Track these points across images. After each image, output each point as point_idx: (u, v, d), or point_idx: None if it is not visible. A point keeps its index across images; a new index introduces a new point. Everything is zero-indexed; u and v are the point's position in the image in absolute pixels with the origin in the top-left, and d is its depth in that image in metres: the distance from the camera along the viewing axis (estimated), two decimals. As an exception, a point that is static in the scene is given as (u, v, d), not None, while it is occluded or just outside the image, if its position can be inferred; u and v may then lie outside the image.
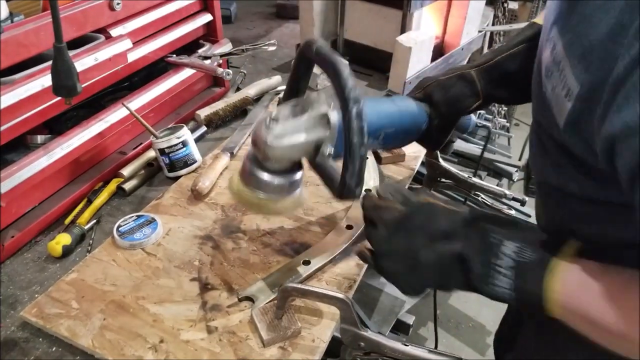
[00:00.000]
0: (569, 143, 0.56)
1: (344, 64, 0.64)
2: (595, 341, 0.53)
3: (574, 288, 0.54)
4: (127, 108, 1.09)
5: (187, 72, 1.30)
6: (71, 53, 0.82)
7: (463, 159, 2.46)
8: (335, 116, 0.68)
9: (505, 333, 0.95)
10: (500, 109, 2.46)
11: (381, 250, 0.66)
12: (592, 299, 0.52)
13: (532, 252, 0.57)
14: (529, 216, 1.45)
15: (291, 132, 0.68)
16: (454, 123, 0.88)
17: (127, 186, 1.09)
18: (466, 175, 1.03)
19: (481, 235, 0.60)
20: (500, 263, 0.58)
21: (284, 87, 1.47)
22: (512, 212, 1.11)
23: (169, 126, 1.16)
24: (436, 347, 1.59)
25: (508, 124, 2.50)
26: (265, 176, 0.73)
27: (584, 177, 0.57)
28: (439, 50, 1.70)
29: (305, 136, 0.69)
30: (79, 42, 1.02)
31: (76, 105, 1.09)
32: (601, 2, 0.48)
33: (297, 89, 0.76)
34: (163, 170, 1.13)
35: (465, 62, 1.77)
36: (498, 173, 2.48)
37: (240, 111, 1.37)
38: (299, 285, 0.74)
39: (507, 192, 1.03)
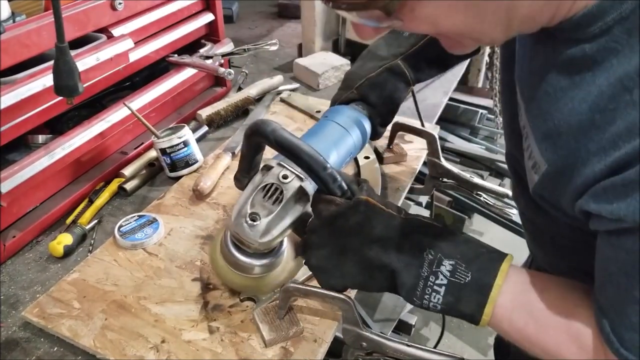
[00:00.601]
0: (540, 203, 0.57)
1: (302, 144, 0.64)
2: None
3: (508, 314, 0.55)
4: (129, 108, 1.08)
5: (188, 72, 1.30)
6: (73, 53, 0.82)
7: (465, 158, 2.46)
8: (309, 185, 0.70)
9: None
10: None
11: (310, 241, 0.66)
12: (524, 325, 0.55)
13: (466, 272, 0.56)
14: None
15: (276, 222, 0.70)
16: (394, 115, 0.92)
17: (129, 186, 1.09)
18: (468, 175, 1.03)
19: (416, 248, 0.59)
20: (433, 280, 0.57)
21: (285, 87, 1.48)
22: (514, 211, 1.10)
23: (171, 126, 1.15)
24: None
25: (510, 124, 2.49)
26: (253, 261, 0.76)
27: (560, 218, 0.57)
28: (440, 50, 1.69)
29: (290, 218, 0.71)
30: (80, 42, 1.02)
31: (77, 105, 1.09)
32: (566, 84, 0.47)
33: (253, 164, 0.76)
34: (164, 170, 1.13)
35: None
36: (500, 173, 2.49)
37: (241, 111, 1.37)
38: (301, 286, 0.73)
39: (509, 192, 1.02)
